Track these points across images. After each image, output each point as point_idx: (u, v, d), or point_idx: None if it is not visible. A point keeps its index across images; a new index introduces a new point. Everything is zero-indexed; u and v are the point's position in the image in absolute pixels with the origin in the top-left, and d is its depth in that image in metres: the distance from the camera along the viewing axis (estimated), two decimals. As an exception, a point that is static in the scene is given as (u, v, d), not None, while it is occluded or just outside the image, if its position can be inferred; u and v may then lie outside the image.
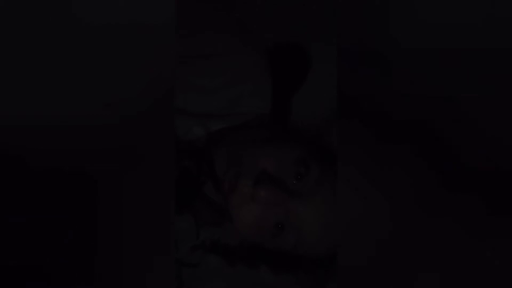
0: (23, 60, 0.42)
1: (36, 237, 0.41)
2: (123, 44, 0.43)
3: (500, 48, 0.41)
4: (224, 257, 0.56)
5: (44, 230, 0.42)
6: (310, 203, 0.55)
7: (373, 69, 0.44)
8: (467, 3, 0.42)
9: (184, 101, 0.61)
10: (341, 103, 0.44)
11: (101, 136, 0.43)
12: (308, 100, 0.65)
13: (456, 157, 0.42)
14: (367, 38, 0.44)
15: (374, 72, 0.44)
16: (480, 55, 0.42)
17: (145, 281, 0.42)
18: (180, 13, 0.47)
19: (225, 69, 0.64)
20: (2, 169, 0.41)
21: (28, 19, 0.42)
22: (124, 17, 0.43)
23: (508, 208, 0.41)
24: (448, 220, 0.42)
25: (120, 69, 0.43)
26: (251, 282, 0.56)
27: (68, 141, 0.42)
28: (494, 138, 0.42)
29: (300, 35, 0.66)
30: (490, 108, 0.42)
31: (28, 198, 0.41)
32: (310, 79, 0.65)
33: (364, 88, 0.44)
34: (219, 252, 0.56)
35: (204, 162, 0.58)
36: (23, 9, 0.42)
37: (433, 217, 0.42)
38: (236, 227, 0.57)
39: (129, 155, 0.43)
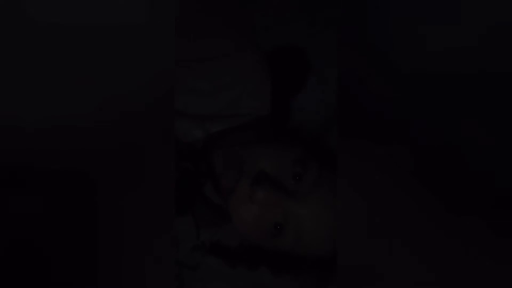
0: (24, 61, 0.42)
1: (36, 237, 0.41)
2: (124, 45, 0.43)
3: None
4: (224, 258, 0.56)
5: (44, 230, 0.41)
6: (309, 204, 0.55)
7: (373, 69, 0.44)
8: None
9: (184, 103, 0.61)
10: (341, 103, 0.44)
11: (101, 137, 0.43)
12: (307, 101, 0.65)
13: (457, 157, 0.42)
14: (368, 38, 0.44)
15: (374, 72, 0.44)
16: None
17: (145, 281, 0.42)
18: (180, 16, 0.48)
19: (224, 71, 0.64)
20: (2, 169, 0.41)
21: (29, 20, 0.42)
22: (124, 19, 0.43)
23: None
24: (447, 220, 0.42)
25: (120, 70, 0.43)
26: (251, 283, 0.56)
27: (69, 142, 0.42)
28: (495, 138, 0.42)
29: (300, 37, 0.66)
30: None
31: (28, 198, 0.41)
32: (310, 80, 0.65)
33: (364, 88, 0.44)
34: (219, 253, 0.56)
35: (203, 163, 0.58)
36: (24, 10, 0.42)
37: (432, 217, 0.42)
38: (235, 227, 0.57)
39: (129, 156, 0.43)
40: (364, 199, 0.44)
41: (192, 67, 0.62)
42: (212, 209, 0.57)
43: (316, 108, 0.65)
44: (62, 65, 0.42)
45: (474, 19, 0.42)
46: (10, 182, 0.41)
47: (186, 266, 0.55)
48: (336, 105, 0.45)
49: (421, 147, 0.43)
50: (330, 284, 0.57)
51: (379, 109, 0.44)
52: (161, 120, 0.44)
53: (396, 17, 0.43)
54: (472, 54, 0.42)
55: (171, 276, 0.44)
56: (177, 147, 0.57)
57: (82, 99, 0.43)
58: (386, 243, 0.43)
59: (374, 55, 0.44)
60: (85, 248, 0.42)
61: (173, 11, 0.44)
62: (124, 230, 0.43)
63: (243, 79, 0.64)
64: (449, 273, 0.42)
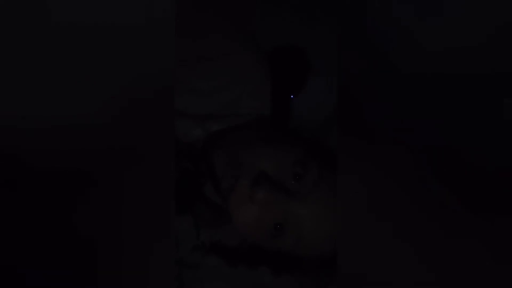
0: (23, 60, 0.42)
1: (35, 237, 0.41)
2: (123, 45, 0.43)
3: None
4: (224, 258, 0.56)
5: (44, 230, 0.42)
6: (309, 204, 0.55)
7: (373, 69, 0.44)
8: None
9: (184, 103, 0.61)
10: (341, 103, 0.44)
11: (101, 137, 0.43)
12: (307, 101, 0.65)
13: (457, 157, 0.42)
14: (368, 38, 0.44)
15: (374, 72, 0.44)
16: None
17: (145, 281, 0.42)
18: (180, 14, 0.48)
19: (224, 70, 0.64)
20: (2, 169, 0.41)
21: (28, 20, 0.42)
22: (124, 19, 0.43)
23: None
24: (447, 219, 0.42)
25: (120, 70, 0.43)
26: (251, 283, 0.56)
27: (68, 141, 0.42)
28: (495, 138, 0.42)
29: (300, 37, 0.66)
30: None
31: (28, 198, 0.41)
32: (310, 80, 0.65)
33: (364, 88, 0.44)
34: (219, 253, 0.56)
35: (203, 163, 0.58)
36: (23, 9, 0.42)
37: (432, 217, 0.42)
38: (235, 228, 0.57)
39: (129, 155, 0.43)
40: (364, 199, 0.44)
41: (192, 67, 0.62)
42: (212, 209, 0.57)
43: (316, 108, 0.65)
44: (62, 66, 0.42)
45: (475, 19, 0.42)
46: (10, 182, 0.41)
47: (186, 266, 0.55)
48: (336, 105, 0.45)
49: (421, 147, 0.43)
50: (330, 284, 0.57)
51: (379, 109, 0.44)
52: (161, 120, 0.44)
53: (396, 17, 0.43)
54: (472, 54, 0.42)
55: (171, 276, 0.44)
56: (177, 147, 0.57)
57: (82, 99, 0.43)
58: (386, 243, 0.43)
59: (374, 55, 0.44)
60: (85, 248, 0.42)
61: (173, 11, 0.44)
62: (124, 230, 0.43)
63: (243, 79, 0.64)
64: (449, 273, 0.42)
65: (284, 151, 0.57)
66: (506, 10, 0.41)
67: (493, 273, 0.41)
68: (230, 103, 0.63)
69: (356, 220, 0.43)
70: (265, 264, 0.56)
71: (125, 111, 0.43)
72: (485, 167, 0.42)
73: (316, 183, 0.56)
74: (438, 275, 0.42)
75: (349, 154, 0.44)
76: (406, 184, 0.43)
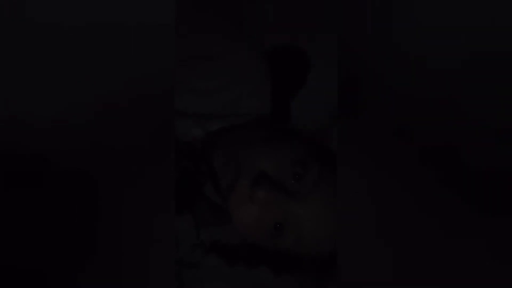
0: (23, 60, 0.42)
1: (36, 237, 0.41)
2: (123, 44, 0.43)
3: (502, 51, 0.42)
4: (224, 257, 0.56)
5: (44, 230, 0.42)
6: (309, 204, 0.55)
7: (373, 69, 0.44)
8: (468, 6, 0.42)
9: (184, 103, 0.61)
10: (341, 103, 0.44)
11: (101, 137, 0.43)
12: (308, 101, 0.65)
13: (456, 157, 0.42)
14: (368, 38, 0.44)
15: (374, 72, 0.44)
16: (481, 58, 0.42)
17: (145, 281, 0.42)
18: (180, 14, 0.48)
19: (224, 70, 0.64)
20: (2, 169, 0.41)
21: (28, 20, 0.42)
22: (124, 18, 0.43)
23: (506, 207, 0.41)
24: (447, 219, 0.42)
25: (120, 69, 0.43)
26: (251, 283, 0.56)
27: (69, 141, 0.42)
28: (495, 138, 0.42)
29: (299, 37, 0.66)
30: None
31: (28, 198, 0.41)
32: (310, 80, 0.65)
33: (365, 88, 0.44)
34: (219, 252, 0.56)
35: (203, 163, 0.58)
36: (24, 9, 0.42)
37: (431, 217, 0.42)
38: (235, 227, 0.57)
39: (129, 155, 0.43)
40: (364, 199, 0.44)
41: (192, 67, 0.62)
42: (212, 209, 0.57)
43: (316, 108, 0.65)
44: (62, 66, 0.43)
45: (475, 19, 0.42)
46: (10, 181, 0.41)
47: (186, 266, 0.55)
48: (336, 105, 0.45)
49: (421, 147, 0.43)
50: (330, 284, 0.57)
51: (379, 109, 0.44)
52: (161, 120, 0.44)
53: (396, 17, 0.43)
54: (473, 55, 0.42)
55: (171, 276, 0.44)
56: (177, 147, 0.57)
57: (82, 99, 0.43)
58: (386, 243, 0.43)
59: (374, 55, 0.44)
60: (85, 248, 0.42)
61: (173, 11, 0.44)
62: (124, 230, 0.43)
63: (243, 79, 0.64)
64: (449, 273, 0.42)
65: (284, 151, 0.57)
66: (505, 11, 0.41)
67: (493, 273, 0.41)
68: (230, 103, 0.63)
69: (356, 220, 0.43)
70: (265, 264, 0.56)
71: (125, 111, 0.43)
72: (485, 167, 0.42)
73: (316, 183, 0.56)
74: (438, 275, 0.42)
75: (349, 153, 0.44)
76: (406, 184, 0.43)
